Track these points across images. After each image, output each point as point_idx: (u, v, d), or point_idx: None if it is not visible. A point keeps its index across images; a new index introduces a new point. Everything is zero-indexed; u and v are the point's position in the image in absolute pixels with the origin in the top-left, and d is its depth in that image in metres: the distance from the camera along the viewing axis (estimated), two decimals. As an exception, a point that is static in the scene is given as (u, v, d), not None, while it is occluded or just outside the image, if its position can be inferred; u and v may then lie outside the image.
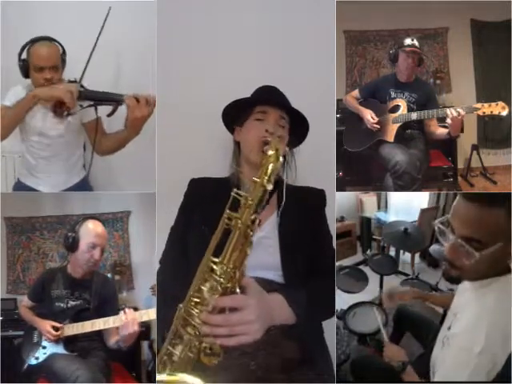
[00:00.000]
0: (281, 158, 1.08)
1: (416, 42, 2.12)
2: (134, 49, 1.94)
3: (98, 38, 1.67)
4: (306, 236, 1.33)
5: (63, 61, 1.77)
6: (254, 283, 1.06)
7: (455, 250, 1.05)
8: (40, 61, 1.70)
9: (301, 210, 1.35)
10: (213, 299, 0.99)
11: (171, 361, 1.01)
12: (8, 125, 1.70)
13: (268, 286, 1.18)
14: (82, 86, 1.70)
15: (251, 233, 1.03)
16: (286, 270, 1.27)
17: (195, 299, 1.02)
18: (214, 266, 1.02)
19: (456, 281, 1.15)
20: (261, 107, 1.35)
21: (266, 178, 1.04)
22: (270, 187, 1.04)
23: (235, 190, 1.06)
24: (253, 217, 1.02)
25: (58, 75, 1.74)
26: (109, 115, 1.73)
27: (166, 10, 1.73)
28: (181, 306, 1.04)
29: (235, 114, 1.40)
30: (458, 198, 1.07)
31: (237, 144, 1.42)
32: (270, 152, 1.07)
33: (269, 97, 1.39)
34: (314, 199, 1.42)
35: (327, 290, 1.31)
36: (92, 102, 1.73)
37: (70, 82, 1.74)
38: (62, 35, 1.77)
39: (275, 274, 1.27)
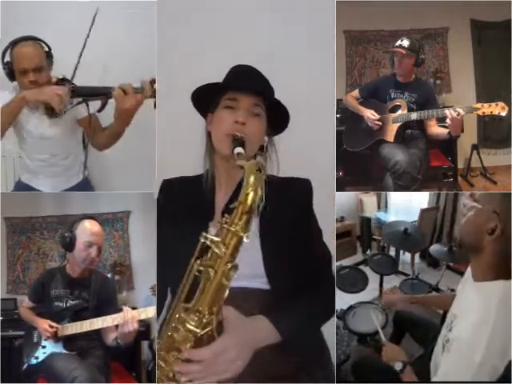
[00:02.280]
0: (260, 193, 0.93)
1: (405, 43, 2.08)
2: (134, 49, 1.94)
3: (86, 39, 1.65)
4: (291, 236, 1.19)
5: (50, 60, 1.73)
6: (232, 313, 0.98)
7: (479, 217, 1.08)
8: (23, 63, 1.65)
9: (284, 206, 1.18)
10: (187, 351, 0.93)
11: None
12: (6, 124, 1.66)
13: (253, 295, 1.12)
14: (70, 84, 1.68)
15: (227, 282, 0.93)
16: (271, 276, 1.15)
17: (168, 346, 0.96)
18: (186, 316, 0.94)
19: (463, 258, 1.16)
20: (231, 94, 1.17)
21: (241, 224, 0.92)
22: (246, 239, 0.92)
23: (204, 234, 0.94)
24: (229, 266, 0.92)
25: (43, 76, 1.70)
26: (99, 110, 1.71)
27: (166, 10, 1.74)
28: (158, 341, 1.00)
29: (205, 100, 1.23)
30: None
31: (209, 135, 1.25)
32: (250, 192, 0.92)
33: (240, 82, 1.21)
34: (297, 192, 1.26)
35: (321, 293, 1.19)
36: (81, 99, 1.70)
37: (59, 80, 1.72)
38: (54, 34, 1.75)
39: (261, 282, 1.15)
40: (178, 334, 0.95)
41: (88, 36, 1.67)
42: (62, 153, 1.81)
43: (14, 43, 1.68)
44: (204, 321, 0.93)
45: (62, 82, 1.72)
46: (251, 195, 0.92)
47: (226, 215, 0.95)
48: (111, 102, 1.66)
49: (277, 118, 1.23)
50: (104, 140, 1.80)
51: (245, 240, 0.93)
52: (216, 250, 0.93)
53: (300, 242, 1.20)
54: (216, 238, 0.94)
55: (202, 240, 0.94)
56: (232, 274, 0.93)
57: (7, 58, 1.69)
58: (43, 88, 1.67)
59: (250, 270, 1.12)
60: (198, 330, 0.93)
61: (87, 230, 1.82)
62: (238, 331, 0.97)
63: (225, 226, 0.94)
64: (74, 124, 1.80)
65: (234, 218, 0.94)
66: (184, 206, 1.24)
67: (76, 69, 1.67)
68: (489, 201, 1.09)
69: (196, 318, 0.93)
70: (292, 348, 1.06)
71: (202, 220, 1.19)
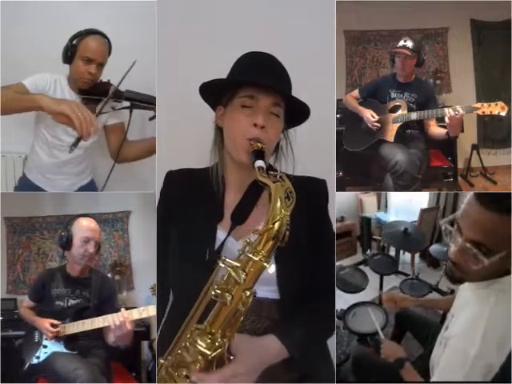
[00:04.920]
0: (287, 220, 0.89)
1: (409, 43, 2.09)
2: (134, 48, 1.94)
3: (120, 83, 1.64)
4: (306, 241, 1.13)
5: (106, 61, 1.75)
6: (242, 336, 0.98)
7: (462, 253, 1.01)
8: (92, 53, 1.67)
9: (299, 209, 1.06)
10: (195, 374, 0.92)
11: None
12: (8, 108, 1.53)
13: (260, 306, 1.09)
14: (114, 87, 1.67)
15: (243, 309, 0.90)
16: (282, 284, 1.10)
17: (177, 363, 0.96)
18: (197, 337, 0.92)
19: (458, 281, 1.12)
20: (249, 90, 1.07)
21: (264, 253, 0.89)
22: (271, 270, 0.93)
23: (223, 258, 0.91)
24: (247, 293, 0.90)
25: (99, 73, 1.72)
26: (151, 119, 1.69)
27: (166, 10, 1.73)
28: (162, 361, 0.98)
29: (217, 94, 1.15)
30: (469, 199, 1.00)
31: (219, 129, 1.17)
32: (277, 221, 0.87)
33: (260, 77, 1.07)
34: (313, 194, 1.19)
35: (327, 305, 1.17)
36: (128, 104, 1.69)
37: (105, 82, 1.72)
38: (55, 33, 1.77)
39: (269, 290, 1.10)
40: (188, 353, 0.94)
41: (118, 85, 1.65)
42: (85, 157, 1.80)
43: (88, 33, 1.68)
44: (216, 344, 0.92)
45: (106, 84, 1.72)
46: (277, 224, 0.88)
47: (248, 239, 0.92)
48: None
49: (294, 115, 1.15)
50: (136, 153, 1.78)
51: (268, 270, 0.90)
52: (235, 276, 0.89)
53: (314, 248, 1.14)
54: (235, 263, 0.90)
55: (221, 264, 0.91)
56: (250, 300, 0.91)
57: (75, 42, 1.69)
58: (63, 101, 1.48)
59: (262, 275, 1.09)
60: (208, 352, 0.91)
61: (83, 226, 1.83)
62: (248, 356, 0.96)
63: (247, 254, 0.90)
64: (101, 129, 1.77)
65: (256, 245, 0.90)
66: (190, 201, 1.17)
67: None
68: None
69: (208, 341, 0.92)
70: (297, 362, 1.05)
71: (209, 220, 1.14)
